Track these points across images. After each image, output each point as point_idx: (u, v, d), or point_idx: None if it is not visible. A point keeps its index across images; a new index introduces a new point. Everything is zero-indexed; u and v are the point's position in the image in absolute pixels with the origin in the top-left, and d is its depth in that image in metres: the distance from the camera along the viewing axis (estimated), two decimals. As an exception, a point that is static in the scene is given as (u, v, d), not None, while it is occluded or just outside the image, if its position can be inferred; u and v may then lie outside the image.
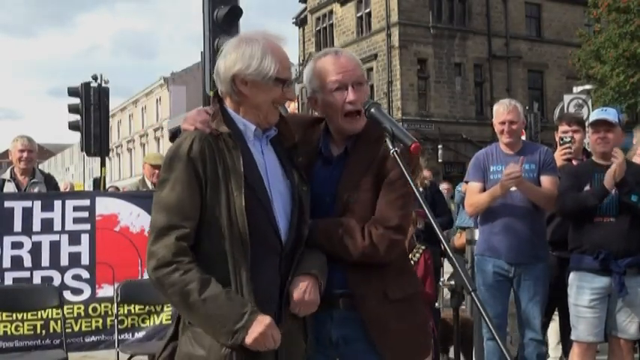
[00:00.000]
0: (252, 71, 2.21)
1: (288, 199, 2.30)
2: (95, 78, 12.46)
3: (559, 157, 4.85)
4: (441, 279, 5.91)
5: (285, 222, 2.27)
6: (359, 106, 2.42)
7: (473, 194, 4.71)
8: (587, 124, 4.62)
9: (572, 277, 4.37)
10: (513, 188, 4.50)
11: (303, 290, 2.25)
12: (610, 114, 4.34)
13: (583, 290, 4.25)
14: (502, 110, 4.67)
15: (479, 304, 1.96)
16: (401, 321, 2.45)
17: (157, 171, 7.58)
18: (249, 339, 2.07)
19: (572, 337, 4.35)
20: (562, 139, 4.88)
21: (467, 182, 4.90)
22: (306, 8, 32.71)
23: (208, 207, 2.15)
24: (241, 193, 2.14)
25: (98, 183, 14.40)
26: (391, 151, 2.26)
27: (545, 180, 4.56)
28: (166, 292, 2.13)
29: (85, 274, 5.35)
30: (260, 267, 2.19)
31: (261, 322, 2.08)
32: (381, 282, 2.44)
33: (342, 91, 2.43)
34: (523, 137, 5.05)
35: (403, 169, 2.22)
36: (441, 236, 2.14)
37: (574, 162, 4.85)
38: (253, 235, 2.15)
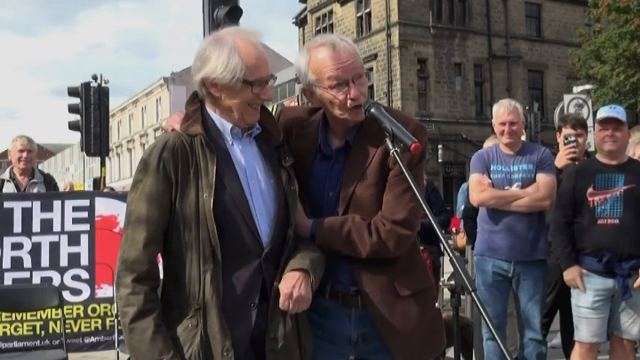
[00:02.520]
0: (219, 74, 2.16)
1: (271, 199, 2.24)
2: (95, 78, 12.47)
3: (564, 156, 4.84)
4: (441, 279, 5.90)
5: (267, 223, 2.21)
6: (361, 100, 2.34)
7: (487, 186, 4.63)
8: (594, 120, 4.49)
9: None
10: (514, 187, 4.55)
11: (292, 285, 2.15)
12: (619, 112, 4.26)
13: (589, 292, 4.20)
14: (503, 111, 4.67)
15: (479, 304, 1.95)
16: (411, 318, 2.38)
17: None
18: None
19: (575, 338, 4.32)
20: (566, 138, 4.87)
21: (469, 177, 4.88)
22: (306, 8, 32.71)
23: (177, 208, 2.14)
24: (211, 194, 2.11)
25: (98, 183, 14.40)
26: (391, 151, 2.23)
27: (539, 177, 4.57)
28: (117, 296, 2.20)
29: (85, 275, 5.35)
30: (232, 269, 2.14)
31: None
32: (389, 278, 2.37)
33: (342, 87, 2.32)
34: (523, 137, 5.01)
35: (404, 169, 2.20)
36: (440, 236, 2.13)
37: (577, 163, 4.84)
38: (225, 236, 2.12)
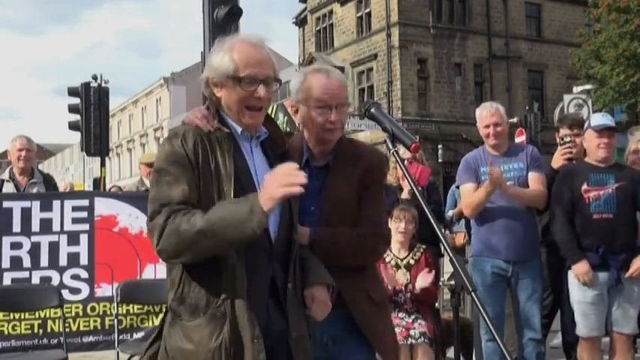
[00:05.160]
0: (214, 72, 2.25)
1: None
2: (95, 78, 12.44)
3: (560, 157, 4.85)
4: (441, 279, 5.91)
5: (274, 223, 2.26)
6: (338, 126, 2.64)
7: (469, 194, 4.69)
8: (585, 125, 4.67)
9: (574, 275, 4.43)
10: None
11: (328, 296, 2.36)
12: (611, 120, 4.48)
13: (585, 287, 4.35)
14: (485, 114, 4.70)
15: (479, 305, 1.95)
16: (384, 321, 2.73)
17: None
18: (272, 193, 2.03)
19: (578, 334, 4.46)
20: (562, 139, 4.89)
21: (458, 187, 4.91)
22: (306, 8, 32.69)
23: (202, 200, 2.15)
24: (230, 188, 2.15)
25: (98, 183, 14.39)
26: (391, 151, 2.25)
27: (531, 177, 4.61)
28: (178, 238, 2.07)
29: (84, 274, 5.34)
30: (249, 263, 2.18)
31: (269, 179, 2.08)
32: (364, 285, 2.67)
33: (324, 110, 2.60)
34: (523, 137, 5.03)
35: (403, 168, 2.22)
36: (441, 236, 2.13)
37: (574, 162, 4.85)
38: None
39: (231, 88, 2.24)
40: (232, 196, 2.14)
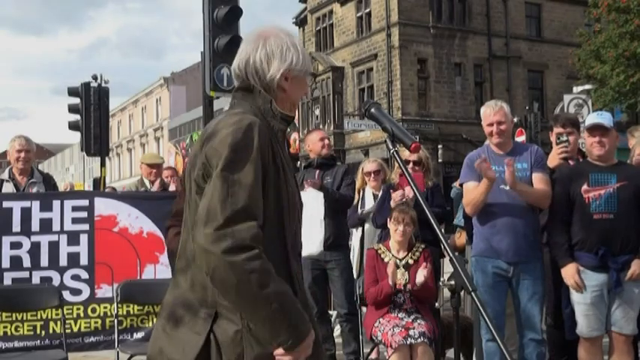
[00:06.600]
0: (300, 67, 2.21)
1: None
2: (95, 78, 12.41)
3: (556, 155, 4.84)
4: (441, 279, 5.90)
5: None
6: None
7: (470, 192, 4.68)
8: (582, 126, 4.70)
9: None
10: (507, 187, 4.50)
11: None
12: (605, 118, 4.45)
13: (584, 288, 4.35)
14: (489, 112, 4.67)
15: (479, 305, 1.95)
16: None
17: (154, 170, 7.61)
18: (305, 347, 2.02)
19: (579, 333, 4.44)
20: (559, 138, 4.87)
21: (461, 185, 4.89)
22: (306, 8, 32.68)
23: (271, 196, 2.06)
24: (294, 181, 2.18)
25: (98, 183, 14.37)
26: (391, 151, 2.25)
27: (536, 178, 4.58)
28: (239, 278, 1.91)
29: (84, 275, 5.34)
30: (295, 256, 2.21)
31: (312, 335, 2.05)
32: None
33: None
34: (523, 137, 4.99)
35: (403, 168, 2.22)
36: (441, 236, 2.13)
37: (570, 162, 4.84)
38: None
39: (304, 82, 2.24)
40: (296, 191, 2.16)
